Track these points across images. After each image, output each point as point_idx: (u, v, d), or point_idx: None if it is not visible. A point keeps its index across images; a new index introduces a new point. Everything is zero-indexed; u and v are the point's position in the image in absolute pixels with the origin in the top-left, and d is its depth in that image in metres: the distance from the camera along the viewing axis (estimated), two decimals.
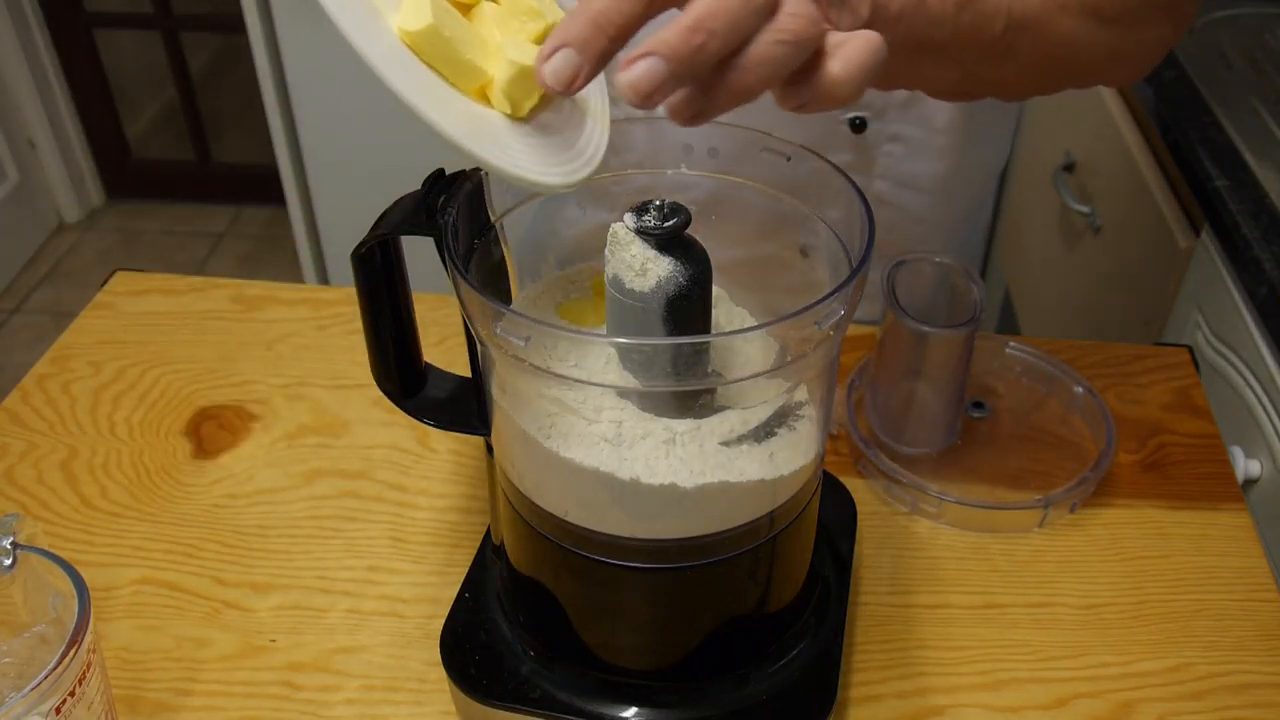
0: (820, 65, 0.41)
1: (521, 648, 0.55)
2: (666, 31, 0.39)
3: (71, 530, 0.69)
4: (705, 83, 0.41)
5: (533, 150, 0.44)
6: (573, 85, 0.40)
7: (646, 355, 0.45)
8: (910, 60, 0.51)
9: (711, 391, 0.47)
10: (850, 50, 0.41)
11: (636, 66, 0.38)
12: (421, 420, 0.56)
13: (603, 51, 0.40)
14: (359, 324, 0.54)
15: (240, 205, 2.76)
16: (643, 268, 0.45)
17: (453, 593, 0.59)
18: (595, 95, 0.50)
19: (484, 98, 0.44)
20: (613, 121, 0.50)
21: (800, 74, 0.42)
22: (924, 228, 0.86)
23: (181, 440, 0.75)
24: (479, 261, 0.51)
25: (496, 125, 0.44)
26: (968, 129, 0.81)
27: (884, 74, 0.49)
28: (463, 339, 0.52)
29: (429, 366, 0.57)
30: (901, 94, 0.77)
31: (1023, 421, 0.75)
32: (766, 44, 0.40)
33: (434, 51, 0.41)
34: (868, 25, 0.46)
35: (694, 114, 0.41)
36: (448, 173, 0.50)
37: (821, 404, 0.50)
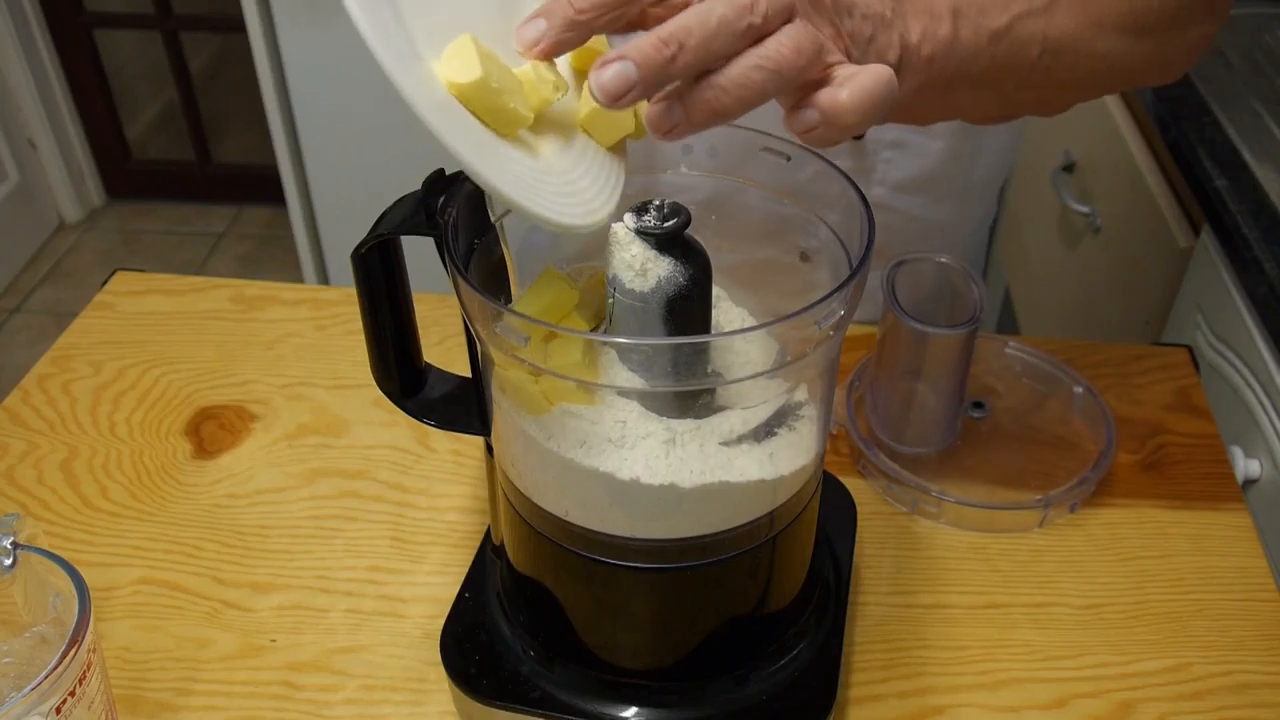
0: (827, 93, 0.42)
1: (521, 648, 0.55)
2: (642, 40, 0.40)
3: (71, 530, 0.69)
4: (683, 97, 0.41)
5: (561, 193, 0.44)
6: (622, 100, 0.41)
7: (646, 355, 0.45)
8: (946, 95, 0.51)
9: (711, 391, 0.47)
10: (859, 81, 0.42)
11: (608, 68, 0.40)
12: (421, 420, 0.56)
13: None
14: (359, 324, 0.54)
15: (240, 205, 2.76)
16: (643, 268, 0.45)
17: (453, 593, 0.59)
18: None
19: (518, 139, 0.45)
20: None
21: (807, 100, 0.43)
22: (924, 230, 0.85)
23: (181, 440, 0.75)
24: (479, 261, 0.51)
25: (530, 169, 0.44)
26: (968, 137, 0.81)
27: (920, 110, 0.50)
28: (463, 339, 0.52)
29: (429, 366, 0.57)
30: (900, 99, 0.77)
31: (1023, 421, 0.75)
32: (745, 67, 0.41)
33: (480, 102, 0.42)
34: (898, 69, 0.47)
35: (670, 127, 0.42)
36: (447, 173, 0.50)
37: (821, 404, 0.50)
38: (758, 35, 0.41)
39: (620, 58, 0.40)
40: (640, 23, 0.46)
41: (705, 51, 0.40)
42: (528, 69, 0.44)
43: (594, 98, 0.40)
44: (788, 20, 0.42)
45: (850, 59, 0.45)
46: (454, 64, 0.42)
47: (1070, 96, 0.59)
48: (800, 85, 0.43)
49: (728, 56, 0.41)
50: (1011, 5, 0.51)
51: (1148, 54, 0.58)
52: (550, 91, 0.44)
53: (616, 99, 0.40)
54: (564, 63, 0.48)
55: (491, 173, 0.40)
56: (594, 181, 0.46)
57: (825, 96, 0.42)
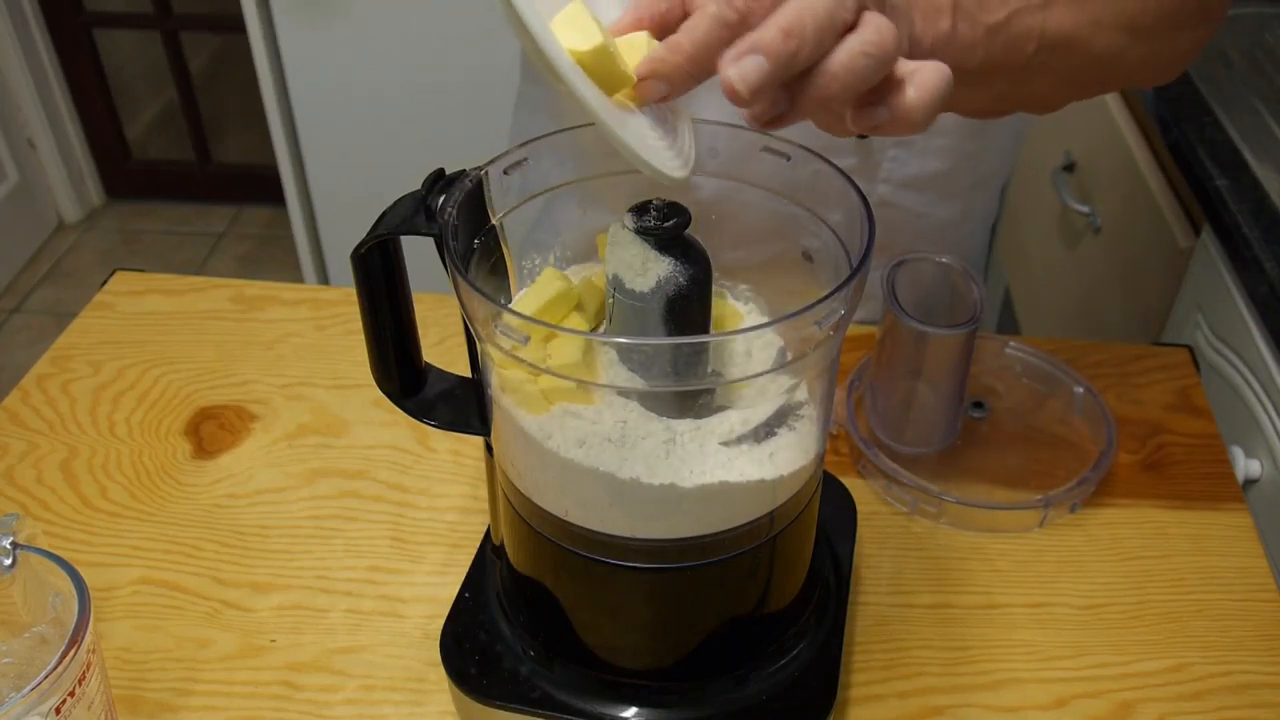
0: (896, 90, 0.43)
1: (521, 648, 0.55)
2: (764, 34, 0.40)
3: (71, 530, 0.69)
4: (790, 87, 0.42)
5: (660, 146, 0.47)
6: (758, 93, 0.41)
7: (646, 355, 0.45)
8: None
9: (711, 391, 0.47)
10: (924, 78, 0.43)
11: (748, 63, 0.40)
12: (421, 420, 0.56)
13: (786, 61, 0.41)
14: (359, 324, 0.54)
15: (240, 205, 2.76)
16: (643, 268, 0.45)
17: (453, 593, 0.59)
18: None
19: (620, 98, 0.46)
20: None
21: (876, 96, 0.44)
22: (927, 229, 0.85)
23: (181, 440, 0.75)
24: (479, 261, 0.51)
25: (636, 126, 0.46)
26: (973, 135, 0.81)
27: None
28: (463, 339, 0.52)
29: (429, 366, 0.57)
30: None
31: (1023, 421, 0.75)
32: (853, 53, 0.42)
33: (597, 66, 0.43)
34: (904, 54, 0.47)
35: (775, 117, 0.43)
36: (448, 173, 0.50)
37: (821, 404, 0.50)
38: (847, 28, 0.42)
39: (752, 51, 0.40)
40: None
41: (820, 45, 0.41)
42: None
43: (732, 90, 0.40)
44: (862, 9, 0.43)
45: None
46: (572, 31, 0.43)
47: (1066, 94, 0.59)
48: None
49: (830, 48, 0.42)
50: (1010, 0, 0.52)
51: (1143, 55, 0.59)
52: (642, 54, 0.45)
53: (757, 92, 0.40)
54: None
55: (622, 131, 0.42)
56: (669, 135, 0.48)
57: (895, 94, 0.43)
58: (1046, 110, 0.61)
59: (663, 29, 0.46)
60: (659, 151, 0.45)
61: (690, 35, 0.43)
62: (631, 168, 0.52)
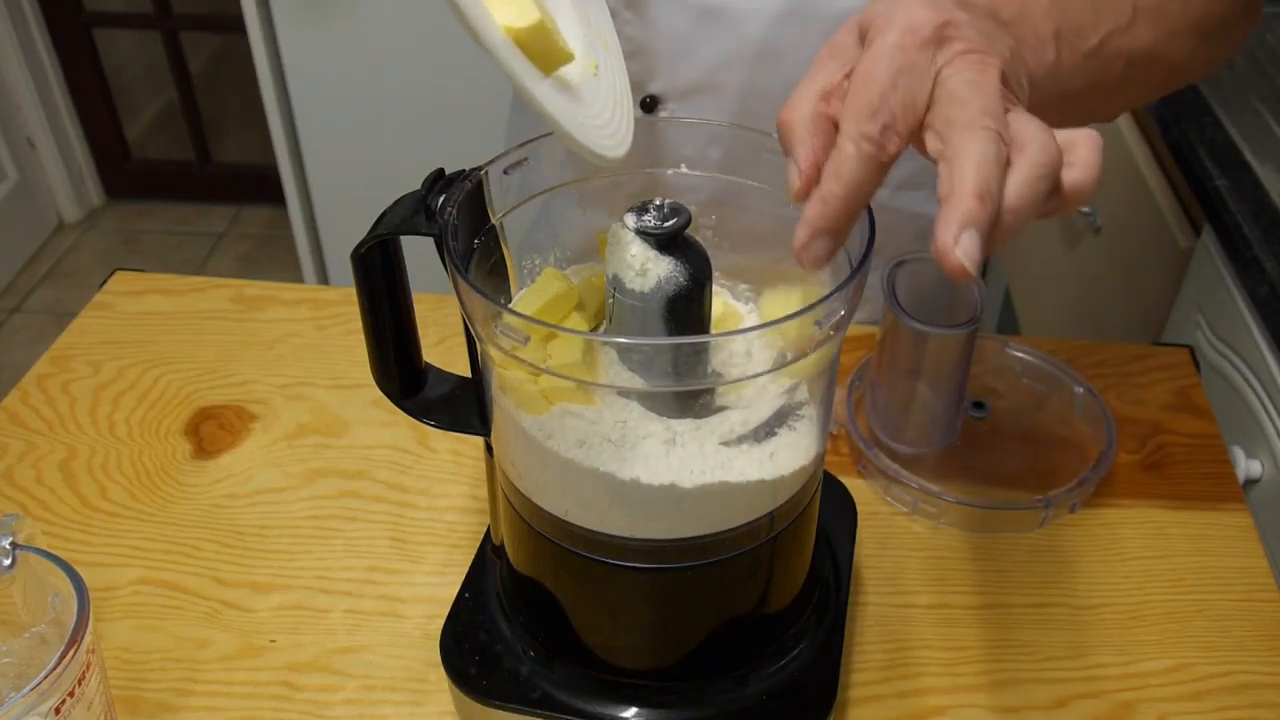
0: (1066, 175, 0.42)
1: (521, 648, 0.55)
2: (965, 205, 0.39)
3: (71, 530, 0.69)
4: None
5: (592, 126, 0.47)
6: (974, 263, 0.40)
7: (646, 355, 0.45)
8: (1039, 114, 0.51)
9: (711, 391, 0.47)
10: (1082, 155, 0.42)
11: (967, 244, 0.39)
12: (421, 420, 0.56)
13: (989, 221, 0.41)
14: (359, 324, 0.54)
15: (240, 205, 2.76)
16: (643, 268, 0.45)
17: (453, 593, 0.59)
18: (617, 71, 0.52)
19: (554, 78, 0.47)
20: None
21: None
22: (925, 229, 0.85)
23: (181, 440, 0.75)
24: (479, 261, 0.51)
25: (569, 104, 0.46)
26: None
27: None
28: (463, 339, 0.52)
29: (429, 366, 0.57)
30: None
31: (1023, 421, 0.75)
32: (1030, 181, 0.40)
33: (534, 43, 0.43)
34: (1028, 96, 0.47)
35: (976, 260, 0.41)
36: (448, 173, 0.50)
37: (821, 404, 0.50)
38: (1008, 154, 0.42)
39: (966, 225, 0.39)
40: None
41: (1000, 189, 0.40)
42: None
43: (962, 273, 0.39)
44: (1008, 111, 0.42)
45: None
46: (508, 8, 0.43)
47: (1137, 103, 0.61)
48: None
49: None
50: (1101, 25, 0.53)
51: (1208, 57, 0.61)
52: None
53: (978, 265, 0.40)
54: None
55: (551, 108, 0.42)
56: (613, 117, 0.48)
57: (1064, 180, 0.42)
58: (1113, 119, 0.61)
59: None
60: (591, 130, 0.45)
61: (838, 178, 0.42)
62: (631, 168, 0.53)
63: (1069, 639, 0.63)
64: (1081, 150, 0.42)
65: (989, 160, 0.40)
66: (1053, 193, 0.42)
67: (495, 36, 0.41)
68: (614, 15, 0.75)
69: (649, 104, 0.78)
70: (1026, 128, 0.42)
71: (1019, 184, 0.40)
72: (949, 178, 0.40)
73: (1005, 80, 0.43)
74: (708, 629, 0.52)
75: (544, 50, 0.43)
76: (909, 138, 0.42)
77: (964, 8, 0.45)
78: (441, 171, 0.50)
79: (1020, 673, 0.61)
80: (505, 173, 0.51)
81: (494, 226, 0.51)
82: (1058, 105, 0.52)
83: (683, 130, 0.55)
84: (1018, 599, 0.65)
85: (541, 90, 0.43)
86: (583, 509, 0.48)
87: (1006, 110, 0.42)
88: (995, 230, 0.40)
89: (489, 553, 0.60)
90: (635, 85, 0.78)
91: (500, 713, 0.54)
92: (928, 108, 0.42)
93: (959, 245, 0.39)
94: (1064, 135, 0.43)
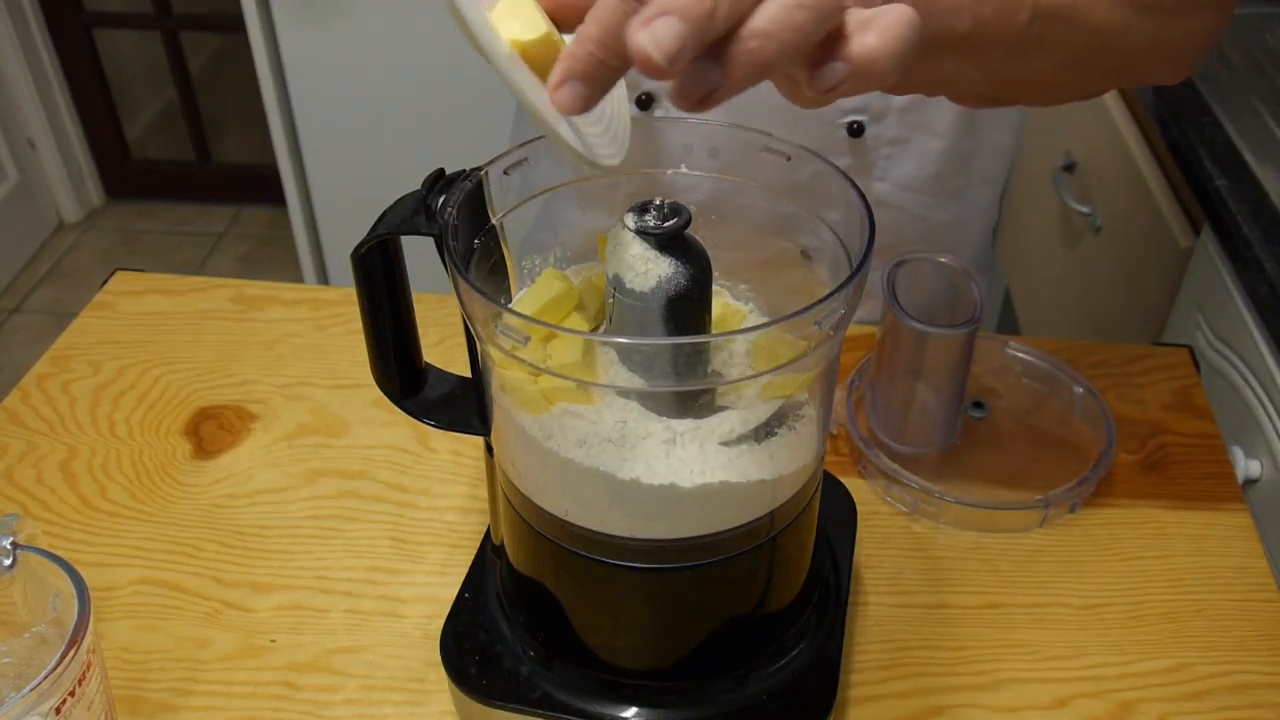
0: (852, 39, 0.38)
1: (521, 648, 0.55)
2: None
3: (71, 530, 0.69)
4: (718, 55, 0.37)
5: (592, 135, 0.46)
6: (679, 58, 0.36)
7: (647, 355, 0.45)
8: (929, 58, 0.47)
9: (711, 391, 0.47)
10: (885, 23, 0.38)
11: (657, 25, 0.35)
12: (421, 420, 0.56)
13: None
14: (359, 324, 0.54)
15: (240, 205, 2.76)
16: (643, 268, 0.45)
17: (453, 593, 0.59)
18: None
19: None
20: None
21: (828, 52, 0.38)
22: (926, 231, 0.85)
23: (181, 440, 0.75)
24: (479, 261, 0.51)
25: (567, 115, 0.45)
26: (968, 134, 0.80)
27: (902, 75, 0.46)
28: (463, 339, 0.52)
29: (429, 366, 0.57)
30: (902, 97, 0.77)
31: (1023, 421, 0.75)
32: (786, 6, 0.36)
33: (539, 56, 0.42)
34: None
35: (707, 92, 0.37)
36: (448, 173, 0.50)
37: (821, 404, 0.50)
38: None
39: (663, 13, 0.35)
40: None
41: (742, 4, 0.36)
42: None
43: (646, 59, 0.35)
44: None
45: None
46: (514, 21, 0.42)
47: (1068, 80, 0.55)
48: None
49: (756, 4, 0.37)
50: None
51: (1148, 34, 0.55)
52: None
53: (674, 58, 0.35)
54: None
55: (554, 121, 0.40)
56: (610, 124, 0.47)
57: (853, 45, 0.38)
58: (1050, 100, 0.56)
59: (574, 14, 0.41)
60: (589, 138, 0.44)
61: (596, 20, 0.37)
62: (632, 167, 0.53)
63: (1069, 639, 0.63)
64: (885, 18, 0.38)
65: None
66: (838, 56, 0.38)
67: (500, 50, 0.41)
68: None
69: (644, 101, 0.78)
70: None
71: (774, 5, 0.36)
72: None
73: None
74: (708, 629, 0.52)
75: (549, 62, 0.42)
76: None
77: None
78: (441, 171, 0.50)
79: (1020, 673, 0.61)
80: (505, 173, 0.51)
81: (494, 226, 0.51)
82: (953, 49, 0.47)
83: (681, 130, 0.55)
84: (1018, 599, 0.65)
85: (542, 100, 0.42)
86: (583, 509, 0.48)
87: None
88: (730, 50, 0.36)
89: (489, 553, 0.60)
90: (630, 83, 0.78)
91: (500, 713, 0.54)
92: None
93: (647, 28, 0.35)
94: (870, 10, 0.38)
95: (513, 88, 0.40)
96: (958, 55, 0.48)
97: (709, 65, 0.37)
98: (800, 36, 0.37)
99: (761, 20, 0.36)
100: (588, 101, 0.38)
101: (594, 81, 0.38)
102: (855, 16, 0.38)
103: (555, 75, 0.38)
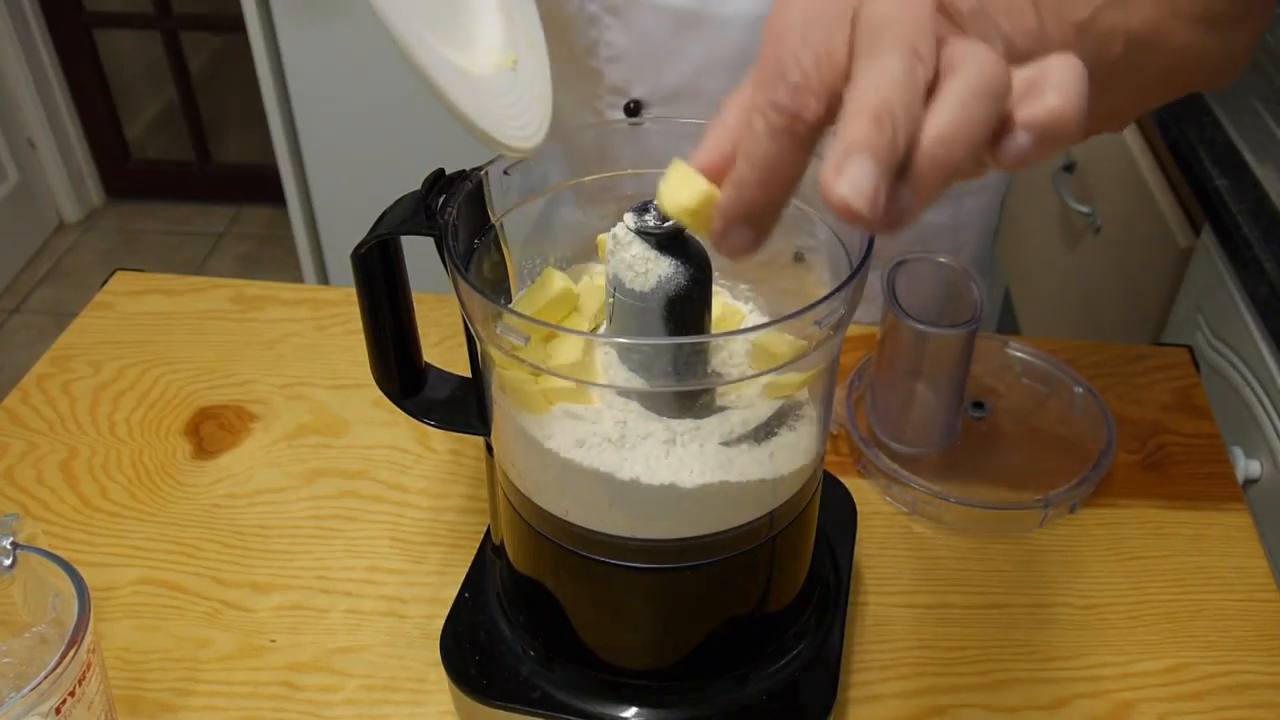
0: (1030, 103, 0.35)
1: (521, 648, 0.55)
2: (852, 129, 0.33)
3: (71, 530, 0.69)
4: (904, 172, 0.34)
5: (506, 115, 0.47)
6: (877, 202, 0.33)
7: (646, 355, 0.45)
8: None
9: (711, 391, 0.47)
10: (1062, 79, 0.35)
11: (850, 169, 0.33)
12: (421, 420, 0.56)
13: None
14: (359, 324, 0.54)
15: (240, 205, 2.76)
16: (643, 268, 0.45)
17: (453, 593, 0.59)
18: (538, 71, 0.53)
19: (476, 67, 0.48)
20: (612, 123, 0.51)
21: (1006, 125, 0.36)
22: (924, 233, 0.85)
23: (181, 440, 0.75)
24: (479, 261, 0.51)
25: (483, 91, 0.47)
26: None
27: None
28: (463, 339, 0.52)
29: (429, 366, 0.57)
30: None
31: (1023, 421, 0.75)
32: (961, 102, 0.34)
33: (703, 213, 0.39)
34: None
35: (902, 213, 0.34)
36: (448, 173, 0.50)
37: (821, 404, 0.50)
38: (933, 77, 0.35)
39: (851, 153, 0.33)
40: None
41: (913, 112, 0.34)
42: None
43: (850, 211, 0.33)
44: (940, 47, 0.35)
45: None
46: (683, 192, 0.39)
47: (1139, 105, 0.55)
48: None
49: (923, 110, 0.34)
50: None
51: (1216, 49, 0.56)
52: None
53: (877, 204, 0.33)
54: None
55: (454, 93, 0.41)
56: (527, 109, 0.48)
57: (1035, 110, 0.35)
58: (1119, 126, 0.56)
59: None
60: (502, 119, 0.44)
61: (750, 160, 0.35)
62: (632, 167, 0.53)
63: (1069, 639, 0.63)
64: (1054, 73, 0.35)
65: (892, 75, 0.33)
66: (1012, 128, 0.35)
67: (413, 43, 0.42)
68: (596, 21, 0.75)
69: (633, 109, 0.79)
70: (965, 48, 0.35)
71: (949, 104, 0.34)
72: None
73: (943, 12, 0.37)
74: (708, 629, 0.52)
75: (708, 219, 0.40)
76: (830, 98, 0.35)
77: None
78: (441, 171, 0.50)
79: (1020, 673, 0.61)
80: (505, 173, 0.51)
81: (494, 226, 0.52)
82: None
83: (681, 130, 0.55)
84: (1018, 599, 0.65)
85: (447, 77, 0.42)
86: (583, 509, 0.48)
87: (943, 39, 0.35)
88: (916, 166, 0.34)
89: (489, 553, 0.60)
90: (619, 90, 0.78)
91: (500, 713, 0.54)
92: (850, 57, 0.35)
93: (842, 175, 0.32)
94: (1032, 67, 0.36)
95: (416, 68, 0.41)
96: None
97: (898, 188, 0.34)
98: (983, 129, 0.34)
99: (940, 124, 0.34)
100: (756, 242, 0.37)
101: (760, 222, 0.37)
102: (1020, 75, 0.36)
103: (718, 224, 0.37)
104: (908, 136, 0.33)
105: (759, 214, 0.36)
